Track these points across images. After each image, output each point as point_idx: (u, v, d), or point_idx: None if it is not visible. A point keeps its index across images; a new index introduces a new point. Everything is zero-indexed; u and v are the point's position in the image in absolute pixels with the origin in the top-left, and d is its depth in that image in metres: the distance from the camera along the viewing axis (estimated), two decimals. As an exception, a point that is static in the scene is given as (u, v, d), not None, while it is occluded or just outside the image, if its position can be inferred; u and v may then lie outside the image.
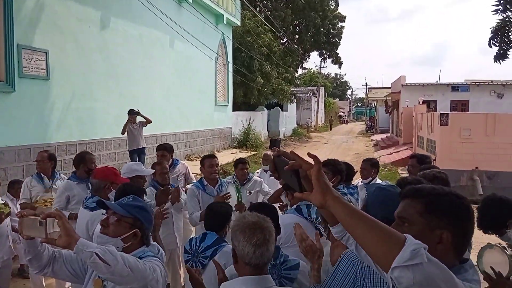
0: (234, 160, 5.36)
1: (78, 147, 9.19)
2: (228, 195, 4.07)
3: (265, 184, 5.51)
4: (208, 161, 4.42)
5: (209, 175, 4.35)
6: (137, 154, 9.13)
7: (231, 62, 18.57)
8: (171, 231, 4.19)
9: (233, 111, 19.23)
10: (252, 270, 1.75)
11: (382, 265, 1.14)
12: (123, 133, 9.05)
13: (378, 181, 4.63)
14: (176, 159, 5.46)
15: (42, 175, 4.82)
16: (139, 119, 9.15)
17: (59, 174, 5.08)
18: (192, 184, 4.59)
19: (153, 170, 4.08)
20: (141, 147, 9.21)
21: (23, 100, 7.70)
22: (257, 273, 1.75)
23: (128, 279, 1.82)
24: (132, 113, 9.03)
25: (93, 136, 9.70)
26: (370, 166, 4.64)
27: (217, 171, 4.42)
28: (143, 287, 1.88)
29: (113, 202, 2.36)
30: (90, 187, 3.67)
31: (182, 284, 4.50)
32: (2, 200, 4.20)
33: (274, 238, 1.80)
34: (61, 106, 8.71)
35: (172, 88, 13.24)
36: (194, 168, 7.11)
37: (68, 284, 4.75)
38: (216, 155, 4.79)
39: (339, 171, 3.56)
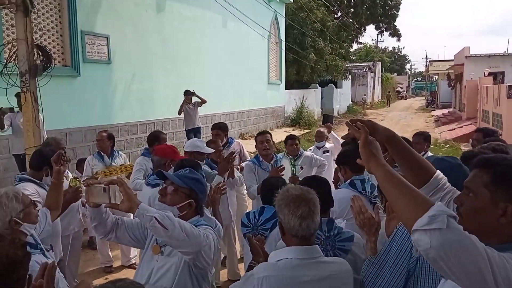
0: (285, 137, 5.39)
1: (139, 128, 9.65)
2: (281, 167, 4.14)
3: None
4: (259, 137, 4.55)
5: (262, 151, 4.46)
6: (193, 133, 9.42)
7: (284, 40, 18.38)
8: (226, 207, 4.33)
9: (285, 89, 19.13)
10: (300, 242, 1.79)
11: (408, 228, 1.20)
12: (179, 113, 9.35)
13: (430, 154, 4.51)
14: (231, 138, 5.58)
15: (102, 154, 5.14)
16: (194, 99, 9.39)
17: (118, 152, 5.40)
18: (248, 160, 4.70)
19: (213, 150, 4.23)
20: (197, 126, 9.48)
21: (88, 83, 8.18)
22: (304, 243, 1.79)
23: (184, 243, 1.94)
24: (188, 94, 9.28)
25: (153, 116, 10.13)
26: (423, 140, 4.52)
27: (268, 147, 4.47)
28: (197, 252, 2.00)
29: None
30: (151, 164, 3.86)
31: (239, 257, 4.67)
32: (71, 175, 4.53)
33: (319, 209, 1.82)
34: (123, 89, 9.16)
35: (226, 68, 13.40)
36: (248, 146, 7.24)
37: (133, 254, 5.09)
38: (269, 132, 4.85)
39: None
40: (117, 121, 9.01)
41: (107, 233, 2.26)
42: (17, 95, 5.98)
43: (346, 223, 2.66)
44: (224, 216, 4.22)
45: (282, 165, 4.24)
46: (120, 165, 5.07)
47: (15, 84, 5.25)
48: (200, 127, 9.65)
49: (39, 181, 3.33)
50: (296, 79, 21.36)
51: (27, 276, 1.53)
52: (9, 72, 5.23)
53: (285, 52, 18.63)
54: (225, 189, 3.25)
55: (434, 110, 32.21)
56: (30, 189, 3.18)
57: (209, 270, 2.24)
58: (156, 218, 1.87)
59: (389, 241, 1.79)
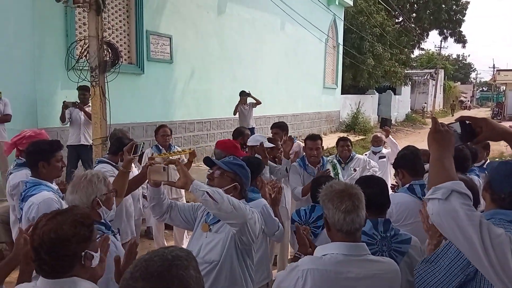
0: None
1: (196, 126, 9.95)
2: (328, 171, 4.10)
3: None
4: (310, 143, 4.34)
5: (310, 157, 4.32)
6: (248, 133, 9.53)
7: (341, 44, 18.12)
8: (283, 204, 4.32)
9: (341, 94, 18.85)
10: (345, 237, 1.78)
11: None
12: (234, 113, 9.52)
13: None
14: (294, 138, 5.55)
15: (161, 147, 5.35)
16: (249, 100, 9.52)
17: (174, 147, 5.59)
18: (296, 162, 4.64)
19: (273, 145, 4.37)
20: (251, 127, 9.58)
21: (150, 81, 8.56)
22: (350, 239, 1.78)
23: (231, 215, 2.12)
24: (243, 95, 9.43)
25: (209, 115, 10.39)
26: (482, 148, 4.29)
27: (317, 155, 4.30)
28: (243, 223, 2.17)
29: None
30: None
31: (289, 257, 4.67)
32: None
33: (364, 204, 1.79)
34: (182, 87, 9.49)
35: (281, 70, 13.45)
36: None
37: (186, 245, 5.25)
38: (322, 137, 4.67)
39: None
40: (176, 118, 9.34)
41: (163, 214, 2.52)
42: (79, 89, 6.38)
43: (403, 229, 2.58)
44: (281, 214, 4.25)
45: (328, 169, 4.17)
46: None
47: (85, 79, 5.63)
48: (254, 127, 9.74)
49: (115, 164, 3.73)
50: (352, 84, 20.99)
51: (83, 253, 1.60)
52: (81, 68, 5.61)
53: (342, 57, 18.36)
54: (281, 189, 3.30)
55: (500, 121, 30.28)
56: (108, 168, 3.57)
57: (253, 248, 2.42)
58: (207, 192, 2.08)
59: (449, 243, 1.72)
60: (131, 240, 1.96)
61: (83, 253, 1.60)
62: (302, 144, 5.45)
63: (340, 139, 4.97)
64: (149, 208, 2.60)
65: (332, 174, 4.23)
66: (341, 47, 18.06)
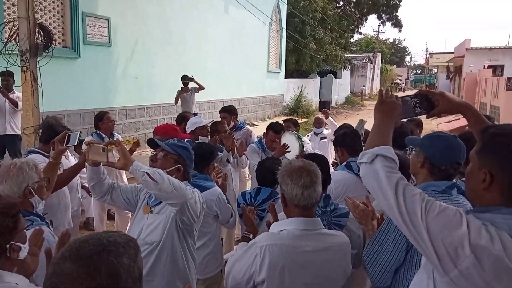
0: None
1: (137, 112, 9.66)
2: (287, 146, 4.10)
3: (317, 147, 5.58)
4: (273, 135, 4.34)
5: (269, 147, 4.35)
6: (191, 118, 9.38)
7: (285, 28, 18.27)
8: (231, 188, 4.34)
9: (285, 78, 19.10)
10: (302, 212, 1.85)
11: None
12: (176, 102, 9.27)
13: None
14: (243, 122, 5.48)
15: (103, 135, 5.10)
16: (192, 85, 9.35)
17: (116, 134, 5.40)
18: (253, 143, 4.63)
19: (211, 120, 4.36)
20: (194, 112, 9.44)
21: (87, 66, 8.16)
22: (306, 214, 1.86)
23: (172, 195, 2.14)
24: (186, 79, 9.18)
25: (151, 101, 10.12)
26: (415, 126, 4.59)
27: (276, 147, 4.30)
28: (183, 203, 2.19)
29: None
30: None
31: (236, 239, 4.74)
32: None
33: (320, 180, 1.88)
34: (122, 72, 9.13)
35: (226, 54, 13.35)
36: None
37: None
38: (266, 121, 4.70)
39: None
40: (116, 104, 9.00)
41: (104, 194, 2.47)
42: (1, 74, 5.97)
43: (342, 204, 2.71)
44: (228, 198, 4.26)
45: (285, 143, 4.18)
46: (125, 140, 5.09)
47: (15, 63, 5.26)
48: (197, 113, 9.59)
49: (47, 154, 3.45)
50: (295, 68, 21.30)
51: (8, 245, 1.53)
52: (10, 52, 5.23)
53: (286, 40, 18.53)
54: (226, 175, 3.33)
55: (432, 102, 32.14)
56: (39, 159, 3.26)
57: (194, 228, 2.44)
58: (147, 173, 2.08)
59: (389, 218, 1.82)
60: (63, 231, 1.86)
61: (8, 245, 1.52)
62: (251, 129, 5.46)
63: (284, 121, 5.07)
64: (88, 198, 2.50)
65: (297, 145, 4.25)
66: (284, 31, 18.21)
